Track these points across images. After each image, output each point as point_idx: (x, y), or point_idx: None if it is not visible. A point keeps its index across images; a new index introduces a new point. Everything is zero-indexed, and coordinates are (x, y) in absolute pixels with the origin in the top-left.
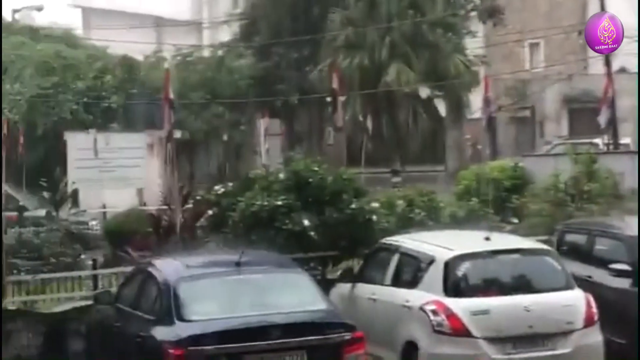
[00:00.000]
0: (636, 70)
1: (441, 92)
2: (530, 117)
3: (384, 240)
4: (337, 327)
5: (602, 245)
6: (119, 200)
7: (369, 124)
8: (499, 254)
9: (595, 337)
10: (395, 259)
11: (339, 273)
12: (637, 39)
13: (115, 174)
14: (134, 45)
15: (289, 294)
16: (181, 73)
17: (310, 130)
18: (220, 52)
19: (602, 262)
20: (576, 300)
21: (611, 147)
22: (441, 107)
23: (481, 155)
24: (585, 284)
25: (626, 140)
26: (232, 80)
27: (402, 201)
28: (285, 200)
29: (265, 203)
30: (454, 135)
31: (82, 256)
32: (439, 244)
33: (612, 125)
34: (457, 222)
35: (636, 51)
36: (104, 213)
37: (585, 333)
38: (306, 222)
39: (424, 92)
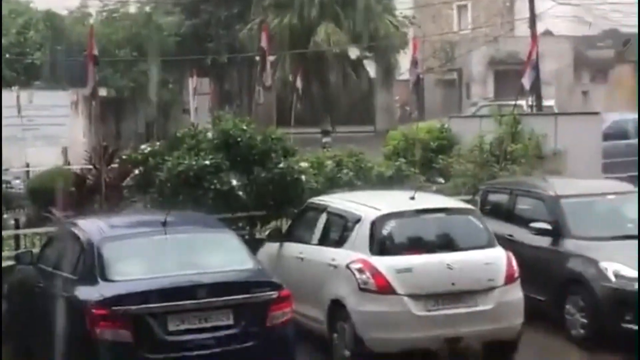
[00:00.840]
0: (561, 33)
1: (371, 54)
2: (457, 79)
3: (312, 200)
4: (263, 286)
5: (523, 205)
6: (43, 159)
7: (299, 84)
8: (423, 213)
9: (516, 294)
10: (322, 218)
11: (267, 233)
12: (637, 37)
13: (39, 132)
14: (58, 0)
15: (216, 254)
16: (107, 29)
17: (240, 89)
18: (147, 9)
19: (523, 221)
20: (498, 258)
21: (535, 109)
22: (371, 68)
23: (410, 116)
24: (507, 242)
25: (550, 102)
26: (160, 38)
27: (331, 161)
28: (213, 159)
29: (193, 162)
30: (384, 97)
31: (5, 215)
32: (365, 204)
33: (536, 87)
34: (385, 182)
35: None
36: (27, 172)
37: (506, 290)
38: (234, 182)
39: (354, 53)
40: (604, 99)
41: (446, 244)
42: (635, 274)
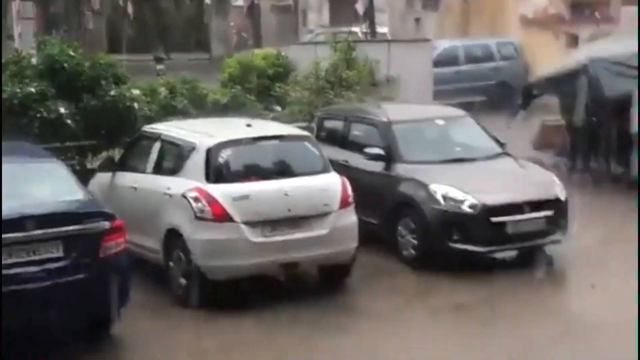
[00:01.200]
0: None
1: None
2: (293, 6)
3: (145, 128)
4: (94, 217)
5: (357, 131)
6: None
7: (130, 8)
8: (259, 140)
9: (350, 218)
10: (156, 147)
11: (99, 163)
12: (637, 36)
13: None
14: None
15: (43, 185)
16: None
17: (67, 13)
18: None
19: (357, 147)
20: (333, 183)
21: (369, 36)
22: None
23: (246, 43)
24: (342, 168)
25: (383, 29)
26: None
27: (164, 88)
28: (38, 86)
29: (17, 90)
30: (219, 23)
31: None
32: (200, 132)
33: (370, 14)
34: (220, 110)
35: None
36: None
37: (341, 214)
38: (62, 110)
39: None
40: (435, 26)
41: (282, 170)
42: (463, 195)
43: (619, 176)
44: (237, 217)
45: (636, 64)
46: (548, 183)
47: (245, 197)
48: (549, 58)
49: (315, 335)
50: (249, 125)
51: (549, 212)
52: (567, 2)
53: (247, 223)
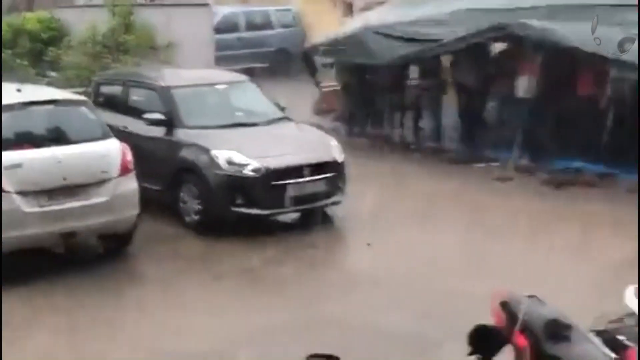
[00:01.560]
0: None
1: None
2: None
3: None
4: None
5: (137, 96)
6: None
7: None
8: (31, 105)
9: (131, 185)
10: None
11: None
12: (637, 37)
13: None
14: None
15: None
16: None
17: None
18: None
19: (137, 112)
20: (111, 150)
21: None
22: None
23: (18, 6)
24: (122, 134)
25: None
26: None
27: None
28: None
29: None
30: None
31: None
32: None
33: None
34: None
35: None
36: None
37: (121, 182)
38: None
39: None
40: None
41: (56, 137)
42: (246, 159)
43: (409, 145)
44: (9, 187)
45: (400, 32)
46: (327, 146)
47: (17, 165)
48: (327, 26)
49: (94, 304)
50: (19, 90)
51: (328, 175)
52: None
53: (20, 193)
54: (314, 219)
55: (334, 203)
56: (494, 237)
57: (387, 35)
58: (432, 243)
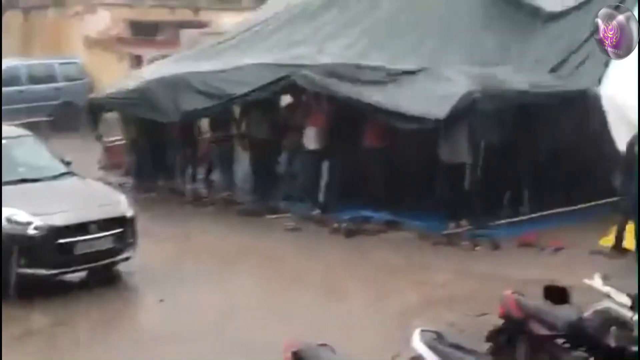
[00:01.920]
0: None
1: None
2: None
3: None
4: None
5: None
6: None
7: None
8: None
9: None
10: None
11: None
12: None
13: None
14: None
15: None
16: None
17: None
18: None
19: None
20: None
21: None
22: None
23: None
24: None
25: None
26: None
27: None
28: None
29: None
30: None
31: None
32: None
33: None
34: None
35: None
36: None
37: None
38: None
39: None
40: None
41: None
42: (28, 217)
43: (202, 198)
44: None
45: (191, 84)
46: (114, 202)
47: None
48: (114, 78)
49: None
50: None
51: (117, 230)
52: (128, 25)
53: None
54: (104, 276)
55: (124, 259)
56: (289, 288)
57: (177, 88)
58: (227, 296)
